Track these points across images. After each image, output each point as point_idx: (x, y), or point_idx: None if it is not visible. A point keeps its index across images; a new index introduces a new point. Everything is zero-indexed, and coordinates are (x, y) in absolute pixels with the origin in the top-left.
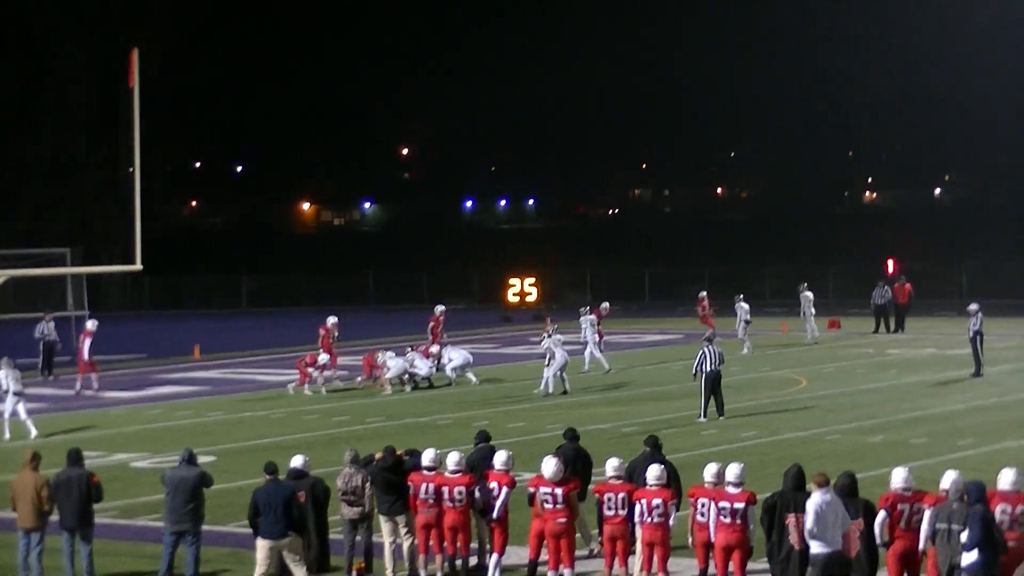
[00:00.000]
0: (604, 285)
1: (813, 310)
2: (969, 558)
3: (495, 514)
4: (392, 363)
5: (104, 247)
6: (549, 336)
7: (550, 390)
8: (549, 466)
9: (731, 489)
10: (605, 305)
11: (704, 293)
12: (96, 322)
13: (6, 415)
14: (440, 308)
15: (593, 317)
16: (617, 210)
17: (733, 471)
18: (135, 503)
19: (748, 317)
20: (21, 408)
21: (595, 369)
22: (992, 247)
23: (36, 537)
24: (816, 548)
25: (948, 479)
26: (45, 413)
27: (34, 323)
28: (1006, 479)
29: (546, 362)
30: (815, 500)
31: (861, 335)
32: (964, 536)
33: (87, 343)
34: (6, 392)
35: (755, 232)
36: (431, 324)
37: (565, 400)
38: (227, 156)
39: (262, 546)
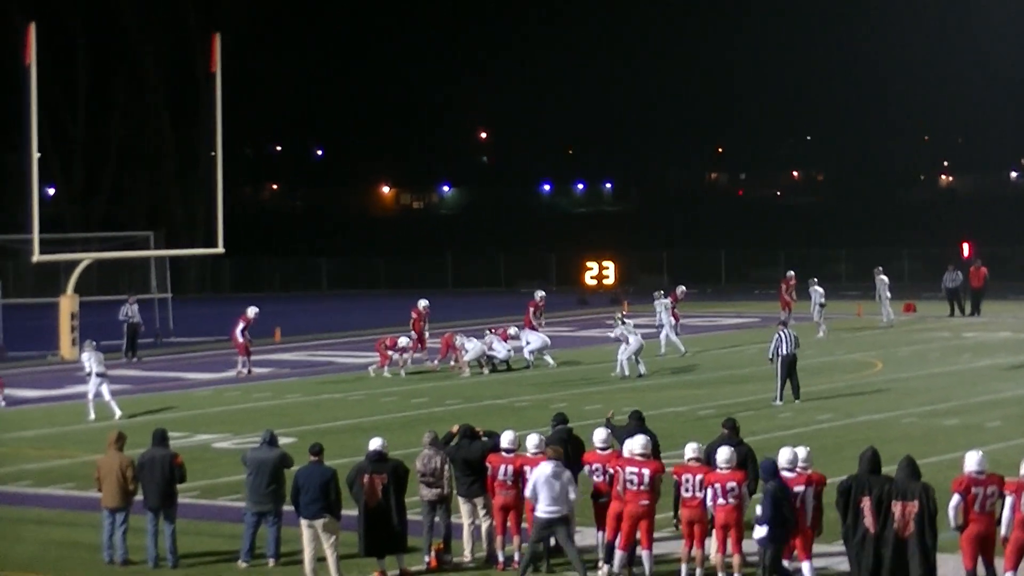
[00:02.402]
0: (680, 268)
1: (888, 293)
2: (760, 532)
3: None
4: (470, 345)
5: (184, 231)
6: (622, 323)
7: (626, 373)
8: (639, 442)
9: (788, 474)
10: (681, 288)
11: (792, 272)
12: (256, 309)
13: (90, 396)
14: (540, 293)
15: (668, 300)
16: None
17: (785, 456)
18: (216, 483)
19: (823, 300)
20: (105, 389)
21: (671, 352)
22: None
23: (120, 516)
24: (541, 513)
25: None
26: (129, 394)
27: (116, 305)
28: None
29: (619, 346)
30: (545, 471)
31: (936, 319)
32: (758, 510)
33: (240, 326)
34: (89, 374)
35: (830, 215)
36: (531, 309)
37: (641, 383)
38: (307, 140)
39: (303, 526)
